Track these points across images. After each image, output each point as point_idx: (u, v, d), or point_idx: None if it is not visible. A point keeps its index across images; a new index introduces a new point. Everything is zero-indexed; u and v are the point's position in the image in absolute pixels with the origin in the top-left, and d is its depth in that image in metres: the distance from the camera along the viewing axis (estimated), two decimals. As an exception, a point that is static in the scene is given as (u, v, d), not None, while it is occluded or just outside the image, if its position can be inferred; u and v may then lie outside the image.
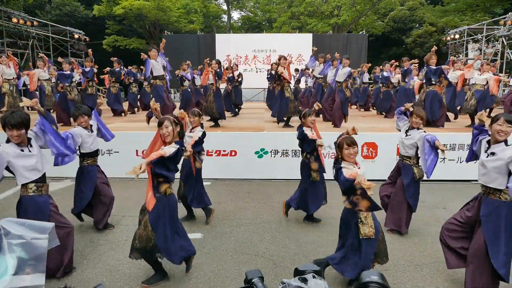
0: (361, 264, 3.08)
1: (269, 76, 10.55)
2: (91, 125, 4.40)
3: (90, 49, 9.48)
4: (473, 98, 8.06)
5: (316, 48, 9.42)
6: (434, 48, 7.68)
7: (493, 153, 2.98)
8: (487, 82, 8.05)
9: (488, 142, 3.08)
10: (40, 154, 3.32)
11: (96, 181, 4.44)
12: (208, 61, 7.97)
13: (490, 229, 2.99)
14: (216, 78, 7.94)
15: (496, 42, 18.62)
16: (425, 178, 4.84)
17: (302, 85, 12.60)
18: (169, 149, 3.04)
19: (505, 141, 2.97)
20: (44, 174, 3.36)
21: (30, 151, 3.22)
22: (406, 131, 4.38)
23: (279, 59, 7.52)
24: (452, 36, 20.47)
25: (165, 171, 3.05)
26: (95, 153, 4.48)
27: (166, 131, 3.14)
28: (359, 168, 3.11)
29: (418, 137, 4.20)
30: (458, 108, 9.01)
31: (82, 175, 4.43)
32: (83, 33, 21.60)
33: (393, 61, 10.28)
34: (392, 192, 4.53)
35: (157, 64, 7.62)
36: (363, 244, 3.08)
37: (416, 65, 9.07)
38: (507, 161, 2.85)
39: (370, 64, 11.40)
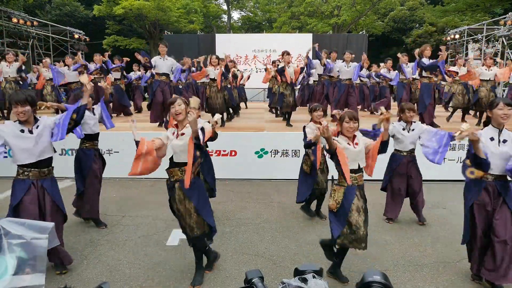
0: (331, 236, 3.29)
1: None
2: (93, 108, 4.56)
3: (107, 52, 9.52)
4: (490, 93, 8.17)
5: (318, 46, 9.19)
6: (444, 49, 7.35)
7: (505, 140, 3.07)
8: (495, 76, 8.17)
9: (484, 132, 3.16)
10: (45, 140, 3.28)
11: (92, 165, 4.52)
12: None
13: None
14: (223, 78, 7.87)
15: (496, 42, 18.61)
16: (425, 178, 4.92)
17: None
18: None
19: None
20: (41, 161, 3.29)
21: (31, 132, 3.21)
22: (407, 129, 4.57)
23: (283, 55, 7.53)
24: (452, 36, 20.46)
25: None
26: (95, 137, 4.61)
27: (179, 108, 3.13)
28: (356, 144, 3.24)
29: (422, 129, 4.44)
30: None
31: (79, 157, 4.55)
32: (83, 33, 21.59)
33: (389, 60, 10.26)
34: (409, 185, 4.76)
35: (162, 61, 7.60)
36: (328, 215, 3.32)
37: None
38: None
39: (369, 62, 11.35)
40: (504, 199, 3.14)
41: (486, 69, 8.25)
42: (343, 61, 8.15)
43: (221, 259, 3.86)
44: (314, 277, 1.18)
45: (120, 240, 4.30)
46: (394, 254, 3.98)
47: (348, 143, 3.23)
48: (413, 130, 4.56)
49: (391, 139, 4.72)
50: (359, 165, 3.25)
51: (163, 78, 7.69)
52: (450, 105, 9.49)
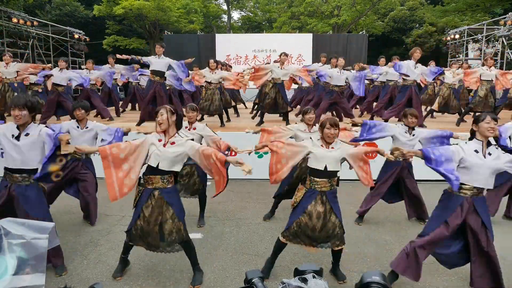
0: None
1: None
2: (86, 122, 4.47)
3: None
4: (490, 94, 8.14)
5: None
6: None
7: (490, 153, 3.08)
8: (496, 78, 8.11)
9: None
10: (30, 151, 3.20)
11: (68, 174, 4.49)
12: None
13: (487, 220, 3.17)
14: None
15: (496, 42, 18.61)
16: (425, 178, 4.94)
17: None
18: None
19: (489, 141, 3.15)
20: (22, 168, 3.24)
21: (18, 139, 3.16)
22: (408, 132, 4.59)
23: (280, 55, 7.57)
24: (452, 36, 20.45)
25: None
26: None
27: (160, 118, 3.17)
28: (332, 148, 3.29)
29: (423, 134, 4.55)
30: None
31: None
32: (83, 33, 21.58)
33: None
34: (409, 188, 4.79)
35: (158, 60, 7.60)
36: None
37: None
38: (505, 162, 3.02)
39: (361, 64, 11.23)
40: (479, 215, 3.15)
41: (487, 69, 8.15)
42: (336, 66, 7.89)
43: (221, 259, 3.86)
44: (314, 277, 1.18)
45: (120, 240, 4.28)
46: (394, 254, 3.96)
47: (322, 145, 3.30)
48: (413, 135, 4.60)
49: (389, 140, 4.76)
50: (326, 167, 3.24)
51: (157, 78, 7.66)
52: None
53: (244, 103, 12.51)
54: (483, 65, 8.40)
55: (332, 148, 3.31)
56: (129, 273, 3.57)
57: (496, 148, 3.14)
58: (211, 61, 7.89)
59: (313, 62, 13.60)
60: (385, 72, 8.67)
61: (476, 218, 3.15)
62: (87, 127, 4.47)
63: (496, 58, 17.93)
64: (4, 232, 1.48)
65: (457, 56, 20.70)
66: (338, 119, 3.33)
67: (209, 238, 4.38)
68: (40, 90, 9.19)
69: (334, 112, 8.64)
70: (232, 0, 32.12)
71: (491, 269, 3.16)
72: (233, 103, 9.82)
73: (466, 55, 20.25)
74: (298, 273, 1.24)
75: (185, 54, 14.82)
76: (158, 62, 7.68)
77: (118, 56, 8.42)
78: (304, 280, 1.17)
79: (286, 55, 7.63)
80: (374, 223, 4.84)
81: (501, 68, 16.83)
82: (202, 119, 8.54)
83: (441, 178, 3.11)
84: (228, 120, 9.01)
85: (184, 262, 3.70)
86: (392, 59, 8.82)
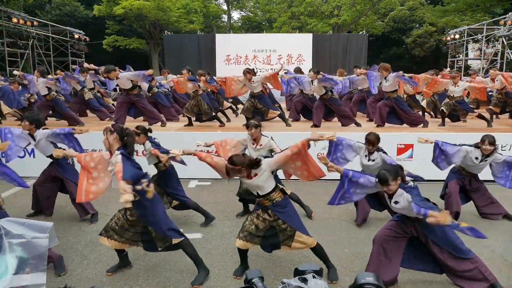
0: None
1: None
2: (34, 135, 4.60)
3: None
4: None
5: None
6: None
7: (396, 202, 3.15)
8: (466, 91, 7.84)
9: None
10: None
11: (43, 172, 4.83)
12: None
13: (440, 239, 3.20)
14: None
15: (496, 42, 18.64)
16: (426, 178, 4.94)
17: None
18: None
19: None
20: None
21: None
22: (368, 157, 4.48)
23: (244, 73, 7.47)
24: (452, 36, 20.47)
25: None
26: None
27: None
28: (255, 175, 3.21)
29: (383, 160, 4.35)
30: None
31: None
32: (83, 33, 21.61)
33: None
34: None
35: (115, 81, 7.50)
36: None
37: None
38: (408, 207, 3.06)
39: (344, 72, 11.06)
40: (427, 235, 3.22)
41: (452, 85, 7.57)
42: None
43: (221, 259, 3.86)
44: (314, 277, 1.19)
45: (120, 240, 4.30)
46: (394, 254, 3.97)
47: (246, 175, 3.22)
48: (373, 160, 4.44)
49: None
50: (258, 193, 3.34)
51: (129, 91, 7.46)
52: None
53: (243, 104, 12.53)
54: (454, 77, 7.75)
55: (256, 175, 3.20)
56: (129, 273, 3.58)
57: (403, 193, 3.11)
58: (184, 71, 7.73)
59: (313, 63, 13.61)
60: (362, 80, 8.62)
61: (424, 236, 3.24)
62: (35, 140, 4.62)
63: (496, 58, 17.96)
64: (4, 232, 1.48)
65: (457, 56, 20.72)
66: (238, 161, 3.08)
67: (209, 238, 4.38)
68: (32, 100, 9.24)
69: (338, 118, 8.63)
70: (232, 0, 32.15)
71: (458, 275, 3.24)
72: (224, 106, 9.81)
73: (466, 55, 20.28)
74: (298, 273, 1.24)
75: (185, 54, 14.76)
76: (117, 82, 7.46)
77: (85, 65, 8.41)
78: (304, 280, 1.17)
79: (249, 72, 7.39)
80: (374, 223, 4.84)
81: (500, 69, 16.81)
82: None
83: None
84: (228, 120, 9.03)
85: (184, 262, 3.70)
86: (354, 69, 8.91)
